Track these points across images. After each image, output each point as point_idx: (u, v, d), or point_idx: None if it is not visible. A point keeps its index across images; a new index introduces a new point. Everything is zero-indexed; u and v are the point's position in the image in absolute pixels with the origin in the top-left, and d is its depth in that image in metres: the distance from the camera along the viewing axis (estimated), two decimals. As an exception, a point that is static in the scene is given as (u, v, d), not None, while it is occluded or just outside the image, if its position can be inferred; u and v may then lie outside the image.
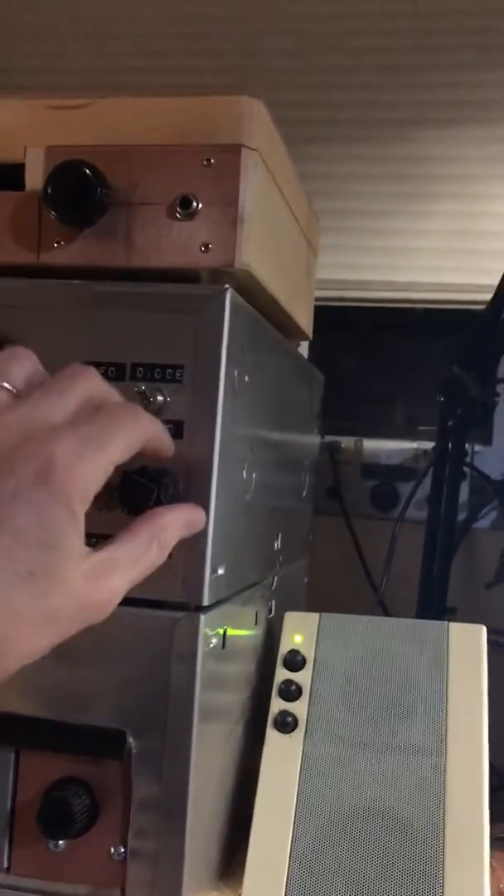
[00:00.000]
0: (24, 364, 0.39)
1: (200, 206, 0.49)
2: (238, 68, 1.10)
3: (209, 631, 0.50)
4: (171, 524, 0.41)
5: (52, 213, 0.49)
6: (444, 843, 0.54)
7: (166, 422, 0.49)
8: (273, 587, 0.69)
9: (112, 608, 0.37)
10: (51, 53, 1.16)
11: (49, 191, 0.49)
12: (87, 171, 0.48)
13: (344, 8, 1.09)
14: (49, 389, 0.38)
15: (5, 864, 0.51)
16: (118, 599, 0.37)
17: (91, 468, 0.35)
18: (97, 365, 0.50)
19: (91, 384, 0.39)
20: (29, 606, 0.33)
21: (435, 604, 0.90)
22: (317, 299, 0.80)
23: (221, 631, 0.53)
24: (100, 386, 0.40)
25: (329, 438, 1.04)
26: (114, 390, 0.41)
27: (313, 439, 0.87)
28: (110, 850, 0.49)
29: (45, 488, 0.34)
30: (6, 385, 0.37)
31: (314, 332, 0.79)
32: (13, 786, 0.51)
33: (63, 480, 0.34)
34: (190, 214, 0.49)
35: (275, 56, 1.10)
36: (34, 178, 0.50)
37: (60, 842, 0.49)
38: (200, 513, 0.45)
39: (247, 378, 0.53)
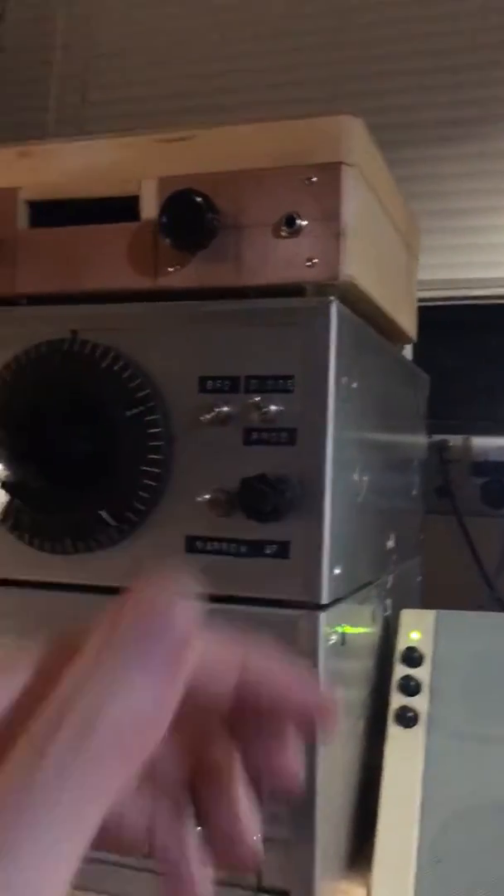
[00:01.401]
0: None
1: (304, 223, 0.51)
2: (331, 79, 1.12)
3: (328, 628, 0.52)
4: None
5: (168, 240, 0.53)
6: None
7: (279, 430, 0.52)
8: (388, 586, 0.70)
9: None
10: (144, 81, 1.21)
11: (164, 220, 0.52)
12: (198, 198, 0.51)
13: (427, 10, 1.09)
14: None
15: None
16: None
17: None
18: (213, 379, 0.53)
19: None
20: None
21: (552, 600, 0.90)
22: (420, 300, 0.81)
23: (340, 629, 0.55)
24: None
25: (436, 437, 1.04)
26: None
27: (420, 439, 0.88)
28: (244, 836, 0.52)
29: None
30: None
31: (418, 331, 0.80)
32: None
33: None
34: (294, 232, 0.52)
35: (367, 63, 1.11)
36: (149, 209, 0.54)
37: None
38: None
39: (354, 384, 0.55)
